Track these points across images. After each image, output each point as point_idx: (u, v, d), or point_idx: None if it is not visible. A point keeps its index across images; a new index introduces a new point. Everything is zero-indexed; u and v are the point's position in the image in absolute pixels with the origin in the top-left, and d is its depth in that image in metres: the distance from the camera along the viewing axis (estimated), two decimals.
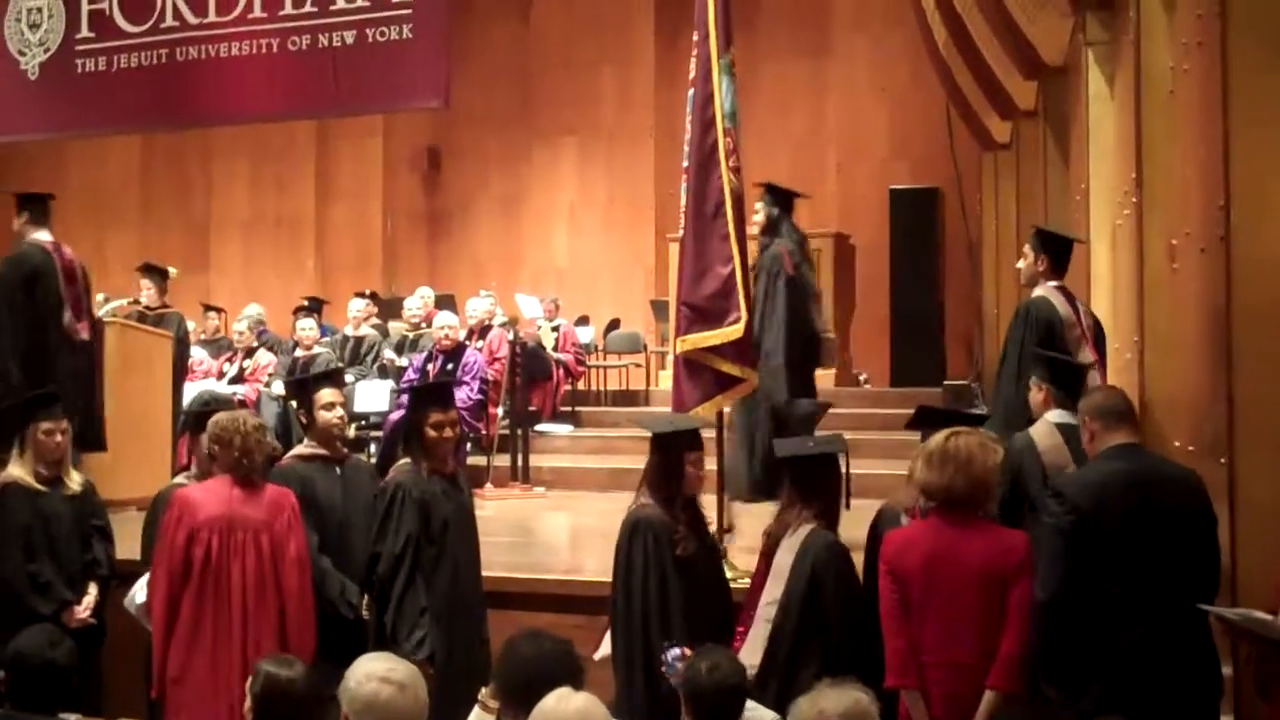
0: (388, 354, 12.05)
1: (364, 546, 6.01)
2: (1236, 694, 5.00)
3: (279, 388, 11.13)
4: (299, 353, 11.63)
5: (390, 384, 11.42)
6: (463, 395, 10.72)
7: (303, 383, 6.77)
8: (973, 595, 4.66)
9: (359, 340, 12.46)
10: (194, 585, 5.74)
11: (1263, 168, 4.98)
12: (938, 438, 4.89)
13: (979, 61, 10.96)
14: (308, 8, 10.74)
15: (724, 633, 5.41)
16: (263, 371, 11.43)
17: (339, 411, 6.29)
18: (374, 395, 11.28)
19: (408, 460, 6.08)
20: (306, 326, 11.81)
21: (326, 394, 6.27)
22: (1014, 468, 5.52)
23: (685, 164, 6.92)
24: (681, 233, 7.03)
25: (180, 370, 10.31)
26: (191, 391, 10.55)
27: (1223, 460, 5.06)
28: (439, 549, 5.92)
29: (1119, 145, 7.79)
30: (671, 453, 5.61)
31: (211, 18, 10.98)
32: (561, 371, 12.66)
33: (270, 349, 11.91)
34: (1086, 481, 4.69)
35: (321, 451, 6.26)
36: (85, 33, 11.40)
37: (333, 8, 10.67)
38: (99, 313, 11.96)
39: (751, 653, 5.25)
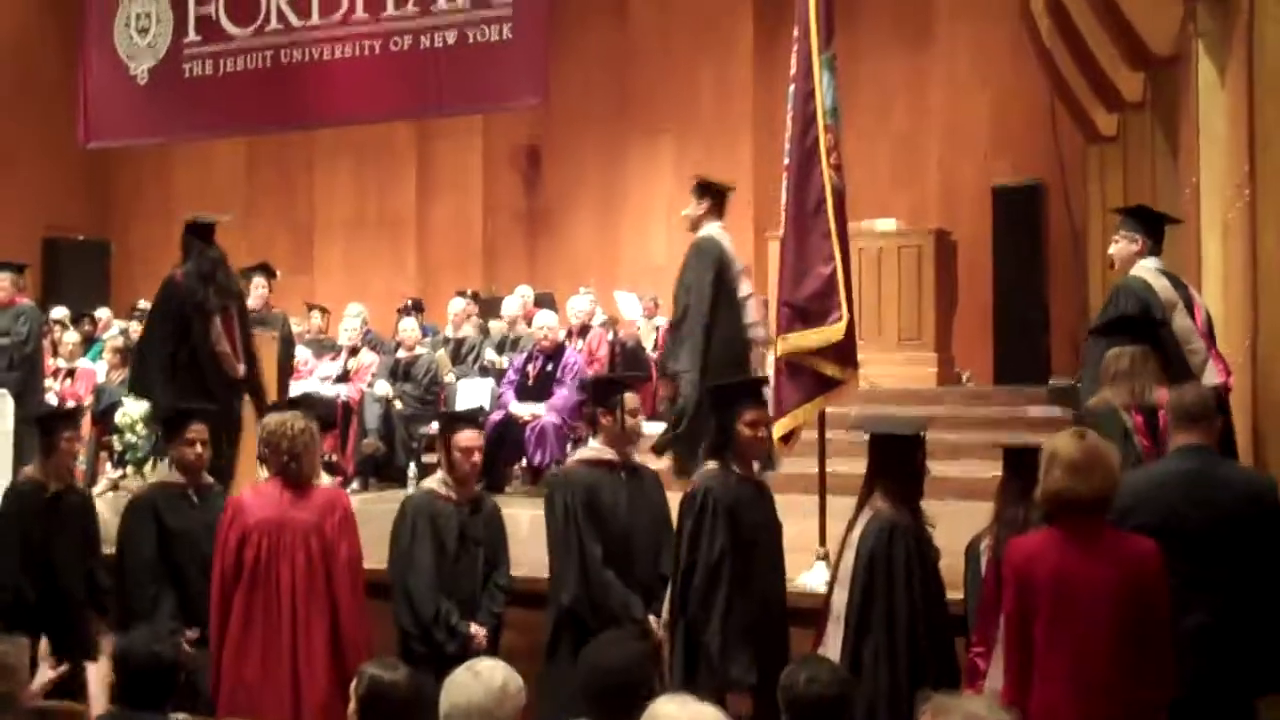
0: (489, 354, 12.11)
1: (648, 559, 5.81)
2: None
3: (382, 388, 11.21)
4: (401, 353, 11.71)
5: (491, 383, 11.46)
6: (562, 396, 10.74)
7: (611, 382, 6.64)
8: (1107, 611, 4.36)
9: (460, 340, 12.53)
10: (244, 587, 5.80)
11: None
12: (1068, 442, 4.51)
13: (1084, 52, 10.79)
14: (409, 9, 10.86)
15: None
16: (365, 372, 11.52)
17: (642, 418, 6.11)
18: (475, 394, 11.33)
19: (714, 464, 5.65)
20: (408, 327, 11.89)
21: (631, 399, 6.06)
22: (1143, 302, 6.19)
23: (786, 161, 6.86)
24: (782, 231, 6.95)
25: (286, 370, 10.42)
26: (294, 390, 10.67)
27: None
28: (747, 561, 5.49)
29: (1230, 137, 7.63)
30: (912, 457, 5.30)
31: (315, 20, 11.16)
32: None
33: (374, 349, 12.01)
34: (1141, 480, 4.88)
35: (610, 456, 6.02)
36: (192, 37, 11.63)
37: (434, 9, 10.78)
38: None
39: (829, 654, 5.11)
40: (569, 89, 15.48)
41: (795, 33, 6.88)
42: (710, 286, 7.58)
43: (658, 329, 13.16)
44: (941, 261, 13.63)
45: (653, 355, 12.70)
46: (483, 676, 3.71)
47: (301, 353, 11.82)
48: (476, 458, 6.15)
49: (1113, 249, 6.86)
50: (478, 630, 5.94)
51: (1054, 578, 4.45)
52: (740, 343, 7.66)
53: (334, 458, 10.93)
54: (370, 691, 3.98)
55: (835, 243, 6.64)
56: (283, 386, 10.04)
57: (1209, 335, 6.59)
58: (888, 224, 13.66)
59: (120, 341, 12.08)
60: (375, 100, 11.44)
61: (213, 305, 8.57)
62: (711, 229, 7.79)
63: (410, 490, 10.67)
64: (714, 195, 7.90)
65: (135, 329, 12.00)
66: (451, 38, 10.74)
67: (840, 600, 5.23)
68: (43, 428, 7.05)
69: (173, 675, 4.34)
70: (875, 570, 5.08)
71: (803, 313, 6.66)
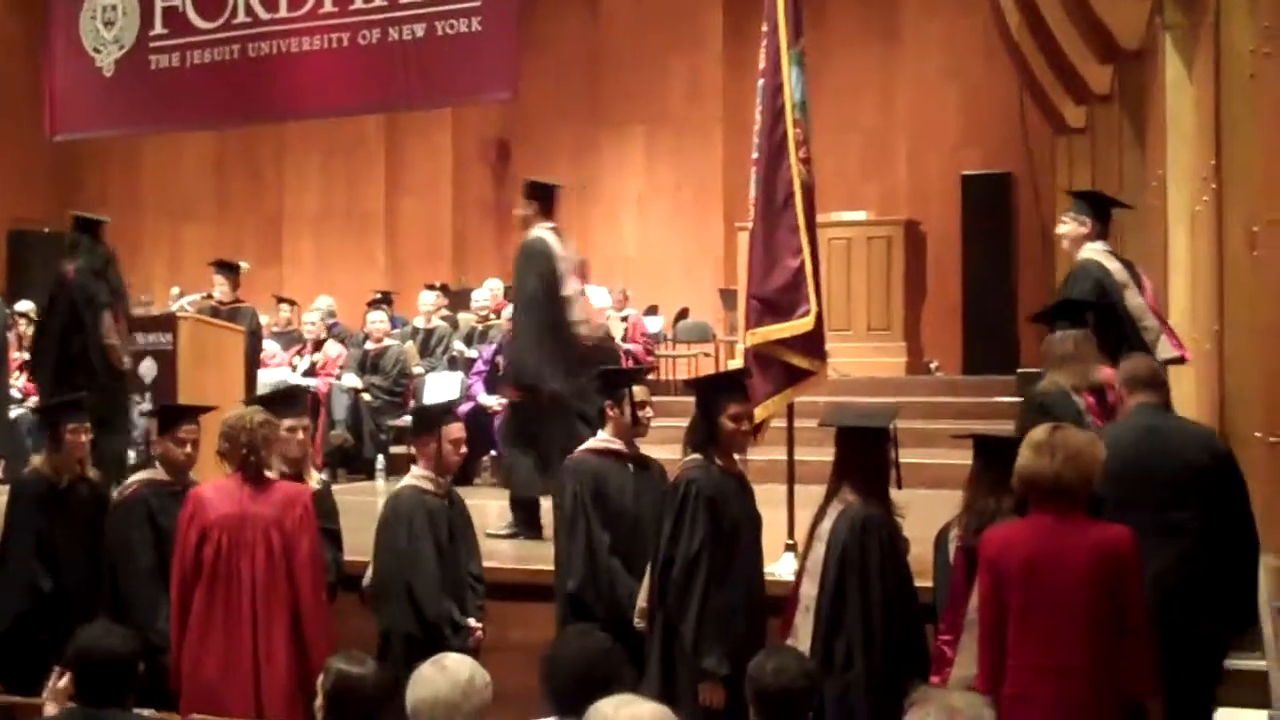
0: (457, 345, 12.10)
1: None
2: None
3: (350, 380, 11.19)
4: (370, 345, 11.69)
5: (460, 375, 11.45)
6: None
7: (618, 374, 6.64)
8: (1080, 595, 4.40)
9: (429, 332, 12.52)
10: (205, 583, 5.76)
11: None
12: (1043, 429, 4.63)
13: (1052, 45, 10.83)
14: (377, 1, 10.82)
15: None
16: (333, 365, 11.49)
17: (650, 411, 6.08)
18: (444, 387, 11.32)
19: (698, 455, 5.64)
20: (377, 319, 11.88)
21: (641, 390, 6.06)
22: (1098, 284, 6.43)
23: (755, 155, 6.86)
24: (751, 225, 6.97)
25: (253, 363, 10.39)
26: (265, 379, 10.63)
27: None
28: (728, 553, 5.50)
29: (1197, 130, 7.68)
30: (881, 449, 5.32)
31: (283, 13, 11.09)
32: (630, 362, 12.63)
33: (340, 341, 11.99)
34: (1104, 438, 5.00)
35: (618, 446, 6.02)
36: (159, 29, 11.55)
37: (402, 1, 10.73)
38: (172, 307, 12.16)
39: (798, 645, 5.13)
40: (540, 83, 15.45)
41: (764, 28, 6.89)
42: (540, 289, 7.83)
43: (626, 320, 13.18)
44: (911, 253, 13.69)
45: (623, 346, 12.71)
46: (449, 670, 3.71)
47: (270, 346, 11.78)
48: (464, 450, 6.16)
49: (1061, 229, 7.05)
50: (475, 624, 5.93)
51: (1026, 566, 4.48)
52: (569, 341, 7.89)
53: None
54: (338, 686, 3.94)
55: (804, 236, 6.65)
56: (250, 380, 10.02)
57: (1159, 311, 6.79)
58: (857, 215, 13.70)
59: None
60: (344, 93, 11.39)
61: (104, 300, 8.80)
62: (540, 230, 8.06)
63: (379, 483, 10.73)
64: (543, 196, 8.26)
65: None
66: (420, 31, 10.70)
67: (810, 592, 5.24)
68: (46, 419, 6.95)
69: (132, 671, 4.31)
70: (848, 563, 5.09)
71: (772, 305, 6.67)
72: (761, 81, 6.86)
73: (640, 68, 16.80)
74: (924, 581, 5.50)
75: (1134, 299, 6.59)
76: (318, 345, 11.70)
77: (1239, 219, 6.69)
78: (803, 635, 5.21)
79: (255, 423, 5.89)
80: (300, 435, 6.34)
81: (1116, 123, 10.85)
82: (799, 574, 5.41)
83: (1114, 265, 6.69)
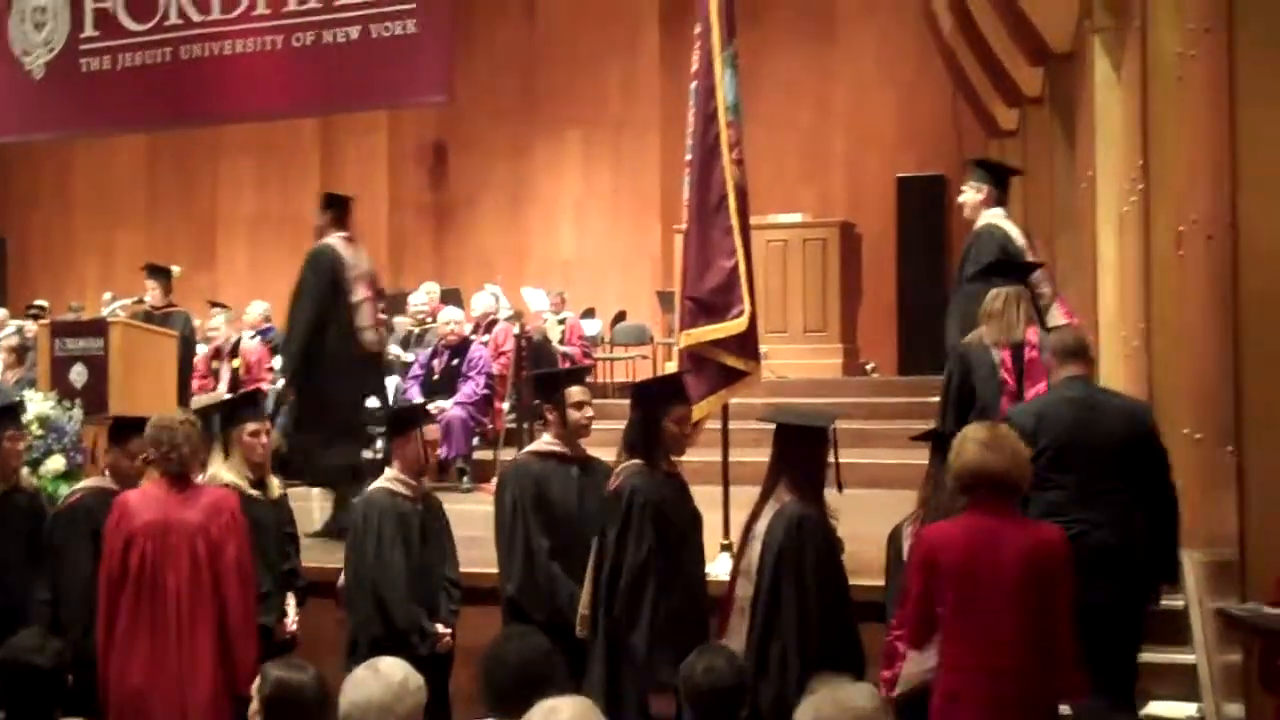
0: (393, 349, 12.03)
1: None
2: (1245, 678, 4.99)
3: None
4: None
5: (395, 379, 11.39)
6: (468, 390, 10.73)
7: (553, 377, 6.63)
8: (1014, 596, 4.44)
9: None
10: (130, 591, 5.70)
11: (1270, 154, 4.95)
12: (983, 427, 4.70)
13: (984, 49, 10.93)
14: (311, 4, 10.72)
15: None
16: (259, 367, 11.39)
17: (589, 411, 6.01)
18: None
19: (637, 461, 5.58)
20: None
21: (577, 391, 5.98)
22: (1001, 248, 6.79)
23: (688, 157, 6.89)
24: (685, 226, 6.98)
25: (186, 369, 10.29)
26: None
27: (1230, 449, 5.04)
28: (674, 559, 5.45)
29: (1125, 132, 7.76)
30: (819, 449, 5.31)
31: (215, 15, 10.97)
32: (568, 365, 12.63)
33: (274, 350, 11.87)
34: (1030, 409, 5.48)
35: (560, 449, 5.95)
36: (90, 32, 11.40)
37: (336, 3, 10.65)
38: (104, 311, 12.02)
39: (733, 645, 5.11)
40: (476, 85, 15.43)
41: (697, 29, 6.91)
42: (318, 297, 8.09)
43: (564, 323, 13.17)
44: (847, 254, 13.76)
45: (560, 348, 12.71)
46: (382, 673, 3.69)
47: (203, 351, 11.67)
48: (438, 451, 6.18)
49: (961, 197, 7.41)
50: (444, 630, 5.87)
51: (961, 565, 4.51)
52: (354, 346, 8.11)
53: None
54: (276, 693, 3.91)
55: (737, 237, 6.68)
56: (183, 386, 9.92)
57: (1053, 278, 7.23)
58: (793, 218, 13.76)
59: (15, 340, 11.88)
60: (277, 96, 11.28)
61: None
62: (331, 239, 8.33)
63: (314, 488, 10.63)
64: (336, 206, 8.57)
65: (31, 328, 11.79)
66: (355, 33, 10.61)
67: (745, 593, 5.24)
68: None
69: (59, 684, 4.25)
70: (784, 563, 5.08)
71: (706, 306, 6.70)
72: (694, 83, 6.88)
73: (576, 70, 16.80)
74: (871, 580, 5.60)
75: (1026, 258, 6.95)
76: (233, 351, 11.58)
77: (1166, 219, 6.77)
78: (738, 636, 5.21)
79: (179, 424, 5.84)
80: (263, 439, 6.26)
81: (1047, 125, 10.96)
82: (734, 574, 5.41)
83: (1014, 231, 7.05)
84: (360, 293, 8.14)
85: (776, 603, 5.09)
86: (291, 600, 6.24)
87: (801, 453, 5.29)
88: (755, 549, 5.24)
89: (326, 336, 8.11)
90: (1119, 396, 5.74)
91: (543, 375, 7.10)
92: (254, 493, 6.18)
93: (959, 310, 7.00)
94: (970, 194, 7.30)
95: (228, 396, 7.22)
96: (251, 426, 6.21)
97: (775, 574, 5.10)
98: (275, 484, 6.38)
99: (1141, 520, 5.34)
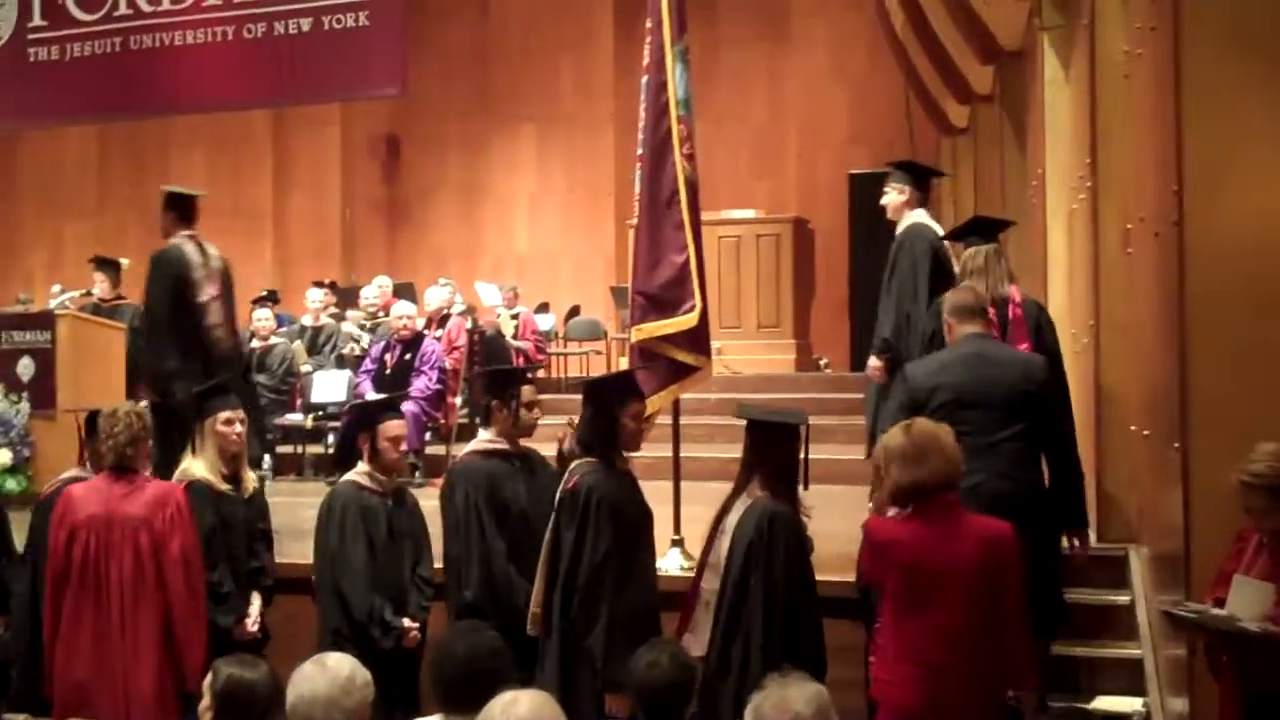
0: (346, 327, 12.02)
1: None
2: (1190, 673, 5.03)
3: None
4: (255, 343, 11.54)
5: (348, 374, 11.35)
6: (421, 385, 10.69)
7: (509, 374, 6.61)
8: (961, 592, 4.45)
9: (317, 330, 12.39)
10: (74, 585, 5.68)
11: (1215, 152, 4.97)
12: (896, 435, 4.66)
13: (936, 46, 10.97)
14: None
15: None
16: None
17: (539, 412, 6.04)
18: (332, 386, 11.22)
19: (593, 459, 5.57)
20: (263, 317, 11.72)
21: (529, 391, 6.00)
22: (933, 250, 7.02)
23: (639, 152, 6.89)
24: (636, 221, 6.98)
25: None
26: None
27: (1176, 444, 5.07)
28: (630, 557, 5.44)
29: (1074, 130, 7.81)
30: (792, 446, 5.35)
31: (165, 6, 10.90)
32: (521, 360, 12.62)
33: None
34: (929, 365, 5.77)
35: (504, 446, 5.92)
36: (38, 21, 11.29)
37: None
38: (52, 304, 11.91)
39: (697, 640, 5.16)
40: (430, 79, 15.39)
41: (648, 24, 6.91)
42: (166, 296, 7.96)
43: (517, 318, 13.15)
44: (800, 250, 13.79)
45: (514, 343, 12.70)
46: (329, 668, 3.67)
47: None
48: (404, 446, 6.09)
49: (884, 199, 7.51)
50: (410, 625, 5.81)
51: (907, 562, 4.53)
52: (202, 345, 8.02)
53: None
54: (228, 689, 3.89)
55: (689, 232, 6.68)
56: (131, 378, 9.84)
57: None
58: (746, 214, 13.79)
59: None
60: (228, 88, 11.21)
61: None
62: (177, 238, 8.21)
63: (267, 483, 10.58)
64: (180, 205, 8.38)
65: None
66: (306, 25, 10.57)
67: (711, 586, 5.24)
68: None
69: (3, 676, 4.23)
70: (753, 558, 5.06)
71: (657, 302, 6.69)
72: (645, 78, 6.88)
73: (531, 64, 16.79)
74: (841, 576, 5.74)
75: (955, 264, 7.03)
76: None
77: (1114, 217, 6.82)
78: (702, 630, 5.22)
79: (125, 416, 5.80)
80: (237, 428, 6.14)
81: (998, 122, 11.02)
82: (700, 568, 5.41)
83: (940, 230, 7.19)
84: (209, 291, 8.11)
85: (743, 597, 5.08)
86: (256, 599, 6.13)
87: (774, 450, 5.31)
88: (724, 543, 5.24)
89: (174, 338, 8.04)
90: (1013, 351, 5.90)
91: (499, 372, 7.10)
92: (224, 488, 6.09)
93: (894, 302, 7.16)
94: (893, 195, 7.39)
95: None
96: (224, 415, 6.13)
97: (744, 568, 5.09)
98: (251, 478, 6.29)
99: (1039, 468, 5.61)
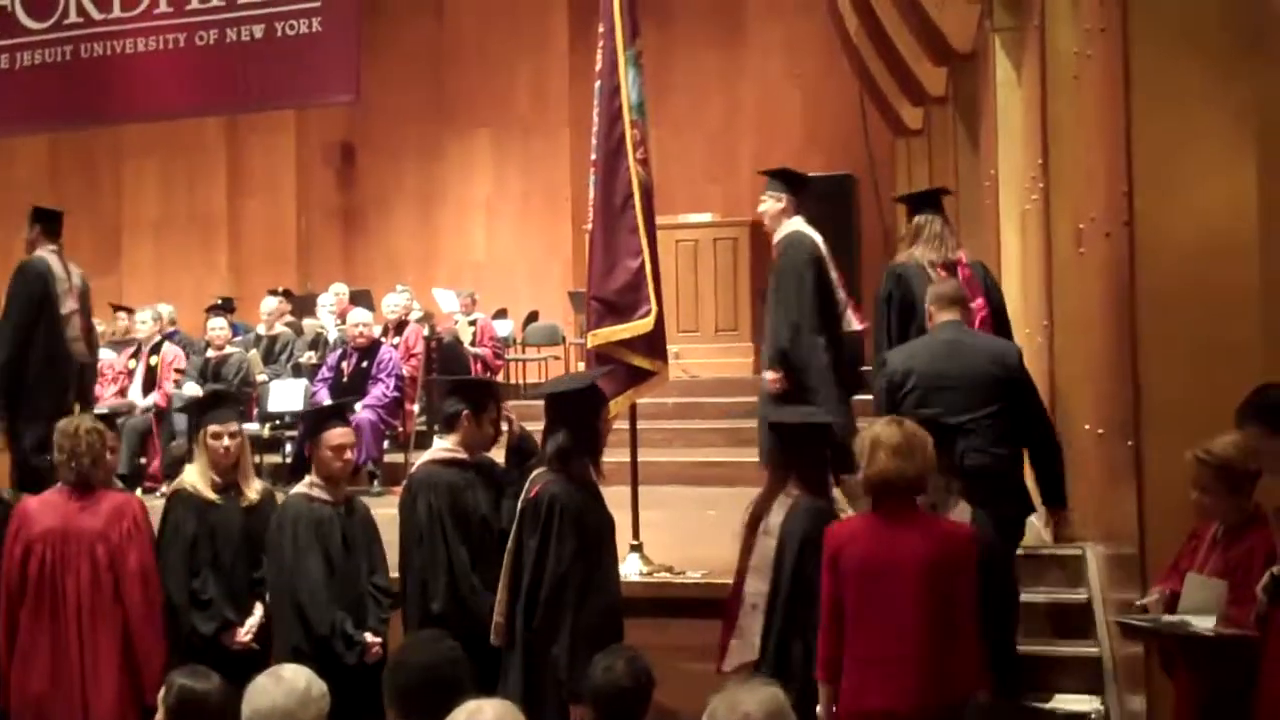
0: (299, 346, 11.97)
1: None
2: (1147, 671, 5.07)
3: (191, 389, 10.94)
4: (210, 353, 11.46)
5: (304, 382, 11.28)
6: (378, 392, 10.64)
7: (487, 386, 6.59)
8: (915, 590, 4.48)
9: (273, 339, 12.31)
10: (30, 599, 5.63)
11: (1165, 152, 5.02)
12: (888, 428, 4.69)
13: (889, 49, 11.03)
14: (214, 2, 10.62)
15: None
16: (170, 370, 11.23)
17: (503, 425, 5.97)
18: (288, 395, 11.15)
19: (556, 469, 5.48)
20: (218, 326, 11.63)
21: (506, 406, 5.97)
22: (811, 253, 7.21)
23: (593, 157, 6.90)
24: (590, 226, 6.98)
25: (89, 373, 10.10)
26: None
27: (1130, 442, 5.11)
28: (594, 566, 5.39)
29: (1026, 131, 7.87)
30: (823, 446, 5.46)
31: (116, 13, 10.85)
32: (479, 366, 12.59)
33: (184, 350, 11.72)
34: (904, 350, 6.06)
35: (462, 455, 5.83)
36: None
37: (240, 1, 10.55)
38: None
39: (746, 644, 5.18)
40: (385, 85, 15.33)
41: (601, 29, 6.91)
42: (31, 309, 8.23)
43: (475, 324, 13.12)
44: (757, 253, 13.75)
45: (472, 350, 12.66)
46: (285, 681, 3.65)
47: (106, 355, 11.47)
48: (349, 455, 5.89)
49: (761, 208, 7.56)
50: (373, 640, 5.67)
51: (863, 562, 4.56)
52: (63, 358, 8.33)
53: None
54: (180, 701, 3.86)
55: (644, 237, 6.69)
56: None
57: (846, 287, 7.62)
58: (703, 217, 13.80)
59: None
60: (181, 95, 11.16)
61: None
62: (41, 252, 8.47)
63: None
64: (46, 220, 8.64)
65: None
66: (259, 31, 10.54)
67: (758, 589, 5.26)
68: None
69: None
70: (808, 555, 5.01)
71: (612, 307, 6.71)
72: (598, 83, 6.89)
73: (485, 70, 16.74)
74: None
75: (832, 272, 7.34)
76: (154, 349, 11.40)
77: (1066, 217, 6.87)
78: (751, 634, 5.23)
79: (83, 430, 5.75)
80: (227, 442, 5.94)
81: (951, 124, 11.09)
82: (741, 572, 5.42)
83: (818, 238, 7.33)
84: (69, 305, 8.38)
85: (802, 594, 5.03)
86: (259, 609, 5.93)
87: (808, 450, 5.42)
88: (767, 544, 5.27)
89: (33, 348, 8.28)
90: (987, 338, 6.18)
91: (475, 383, 7.05)
92: (212, 497, 5.92)
93: (783, 312, 7.20)
94: (770, 204, 7.42)
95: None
96: (213, 429, 5.96)
97: (799, 565, 5.08)
98: (255, 487, 6.08)
99: (1015, 445, 5.78)
